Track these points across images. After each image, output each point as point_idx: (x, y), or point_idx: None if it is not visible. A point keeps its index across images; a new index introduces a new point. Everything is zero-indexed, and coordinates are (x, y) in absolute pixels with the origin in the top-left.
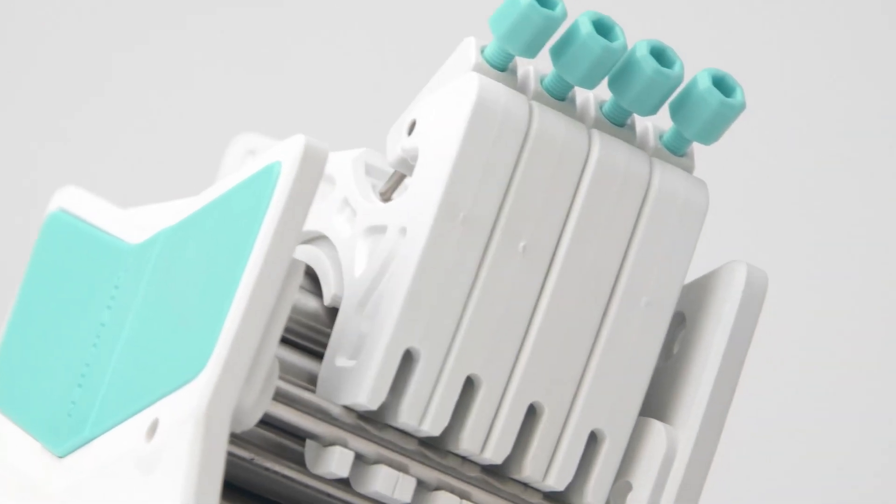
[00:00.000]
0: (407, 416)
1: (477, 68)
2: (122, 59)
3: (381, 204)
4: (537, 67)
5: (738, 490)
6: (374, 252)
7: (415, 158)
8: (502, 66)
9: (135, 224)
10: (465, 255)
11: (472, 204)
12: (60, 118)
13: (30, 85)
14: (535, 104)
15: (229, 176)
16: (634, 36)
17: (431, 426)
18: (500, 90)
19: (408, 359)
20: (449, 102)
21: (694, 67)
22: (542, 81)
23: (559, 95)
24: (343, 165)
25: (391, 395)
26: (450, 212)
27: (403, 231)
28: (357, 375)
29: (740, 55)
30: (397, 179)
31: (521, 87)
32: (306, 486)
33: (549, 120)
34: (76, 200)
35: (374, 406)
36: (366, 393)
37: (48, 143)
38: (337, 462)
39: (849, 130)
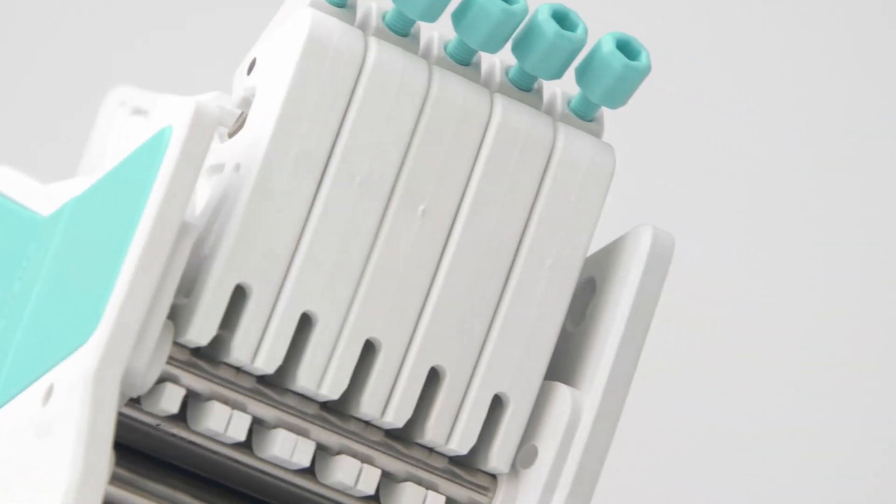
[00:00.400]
0: (239, 352)
1: (314, 4)
2: (122, 59)
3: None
4: (442, 34)
5: (738, 490)
6: (213, 191)
7: (255, 97)
8: (341, 3)
9: (49, 197)
10: (303, 190)
11: (305, 139)
12: (60, 118)
13: (30, 85)
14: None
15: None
16: (635, 37)
17: (265, 363)
18: (334, 25)
19: (240, 295)
20: (284, 39)
21: (692, 67)
22: (446, 47)
23: (463, 60)
24: None
25: (227, 331)
26: (282, 146)
27: (238, 167)
28: (188, 311)
29: (740, 55)
30: (242, 119)
31: (361, 23)
32: (213, 452)
33: (449, 84)
34: (3, 178)
35: (203, 341)
36: (195, 328)
37: (48, 144)
38: (166, 399)
39: (849, 130)
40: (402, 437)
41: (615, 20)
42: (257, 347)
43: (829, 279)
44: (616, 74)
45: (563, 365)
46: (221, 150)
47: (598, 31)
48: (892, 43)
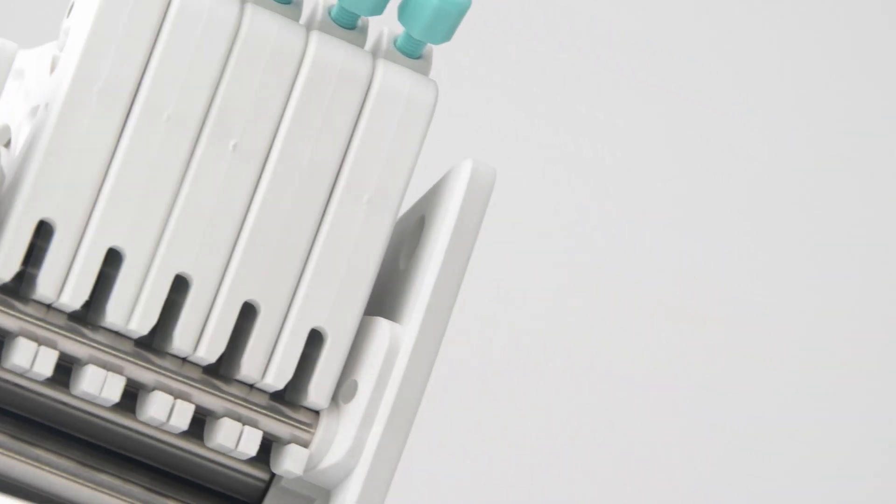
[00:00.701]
0: (44, 288)
1: None
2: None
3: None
4: None
5: (738, 490)
6: (30, 131)
7: (69, 37)
8: None
9: None
10: (107, 125)
11: (109, 74)
12: None
13: None
14: None
15: None
16: (634, 36)
17: (71, 299)
18: None
19: (47, 231)
20: None
21: (693, 67)
22: None
23: None
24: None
25: (35, 268)
26: (85, 81)
27: (47, 106)
28: None
29: (740, 55)
30: None
31: None
32: (29, 390)
33: (261, 20)
34: None
35: (6, 276)
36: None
37: None
38: None
39: (849, 130)
40: (223, 375)
41: (615, 20)
42: (63, 283)
43: (829, 279)
44: (433, 9)
45: (392, 302)
46: (40, 92)
47: (599, 30)
48: (893, 43)
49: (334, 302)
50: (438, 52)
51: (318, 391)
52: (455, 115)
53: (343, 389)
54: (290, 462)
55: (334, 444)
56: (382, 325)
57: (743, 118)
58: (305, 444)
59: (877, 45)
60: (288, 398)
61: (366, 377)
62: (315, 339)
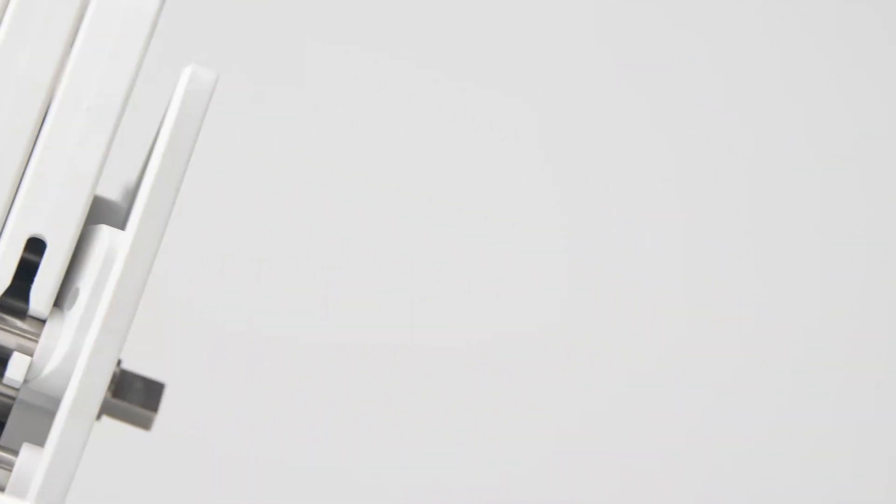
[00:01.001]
0: None
1: None
2: None
3: None
4: None
5: (738, 490)
6: None
7: None
8: None
9: None
10: None
11: None
12: None
13: None
14: None
15: None
16: (633, 35)
17: None
18: None
19: None
20: None
21: (695, 67)
22: None
23: None
24: None
25: None
26: None
27: None
28: None
29: (740, 55)
30: None
31: None
32: None
33: None
34: None
35: None
36: None
37: None
38: None
39: (849, 130)
40: None
41: (615, 20)
42: None
43: (829, 279)
44: None
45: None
46: None
47: (599, 30)
48: (893, 43)
49: (53, 209)
50: (442, 56)
51: (38, 299)
52: (454, 114)
53: (68, 297)
54: (13, 370)
55: (55, 352)
56: (103, 232)
57: (743, 118)
58: (30, 353)
59: (877, 46)
60: (16, 308)
61: (86, 283)
62: (36, 247)
